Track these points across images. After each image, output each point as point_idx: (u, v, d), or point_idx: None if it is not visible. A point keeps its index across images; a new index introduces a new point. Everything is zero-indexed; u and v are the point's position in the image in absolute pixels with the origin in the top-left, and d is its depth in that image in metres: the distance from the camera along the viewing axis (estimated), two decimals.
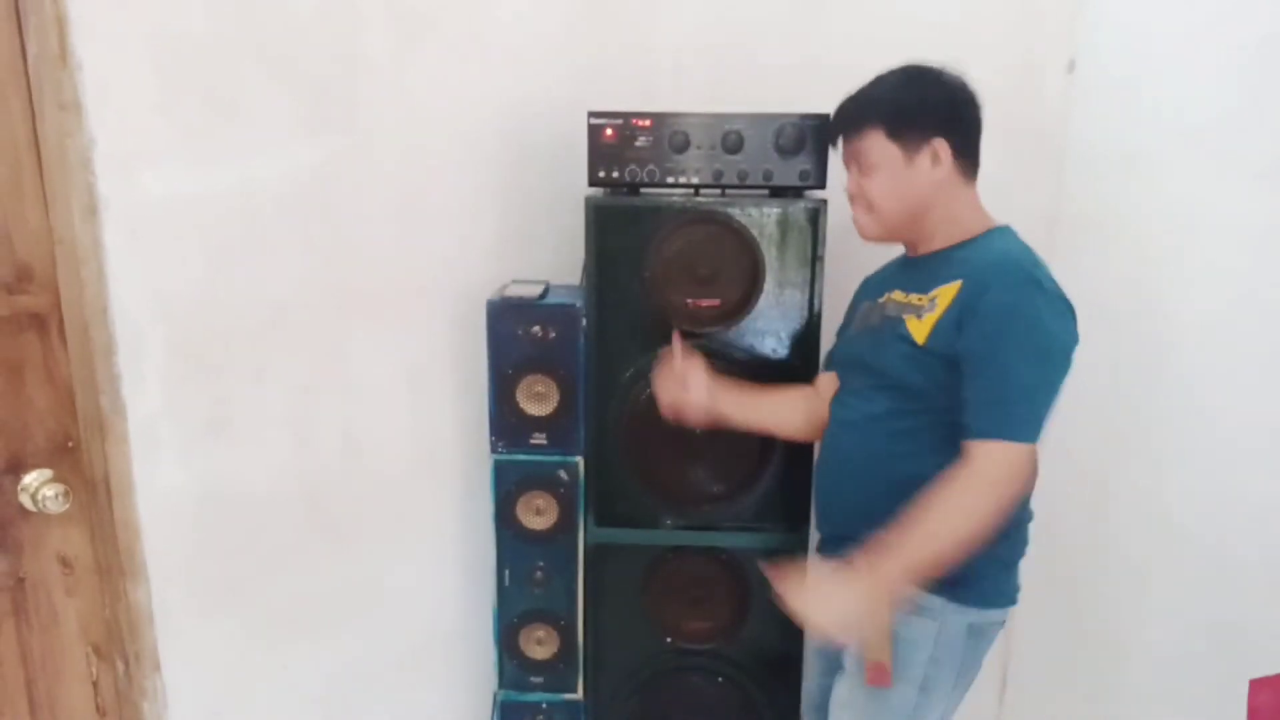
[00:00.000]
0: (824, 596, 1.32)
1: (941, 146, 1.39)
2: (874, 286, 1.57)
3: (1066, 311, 1.35)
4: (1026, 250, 1.39)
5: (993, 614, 1.44)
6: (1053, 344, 1.31)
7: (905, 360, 1.39)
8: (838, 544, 1.51)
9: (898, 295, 1.46)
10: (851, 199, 1.48)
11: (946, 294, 1.36)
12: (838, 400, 1.55)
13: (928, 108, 1.40)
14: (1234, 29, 1.66)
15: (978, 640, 1.44)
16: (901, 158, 1.40)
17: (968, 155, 1.43)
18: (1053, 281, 1.36)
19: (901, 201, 1.42)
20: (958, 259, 1.41)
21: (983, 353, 1.31)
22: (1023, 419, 1.29)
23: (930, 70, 1.42)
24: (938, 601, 1.38)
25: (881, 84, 1.44)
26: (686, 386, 1.57)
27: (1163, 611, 1.85)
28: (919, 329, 1.37)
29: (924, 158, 1.39)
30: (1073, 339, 1.35)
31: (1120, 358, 1.89)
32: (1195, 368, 1.76)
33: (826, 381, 1.60)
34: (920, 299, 1.41)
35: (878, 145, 1.41)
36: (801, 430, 1.63)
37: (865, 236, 1.49)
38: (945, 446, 1.34)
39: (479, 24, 1.84)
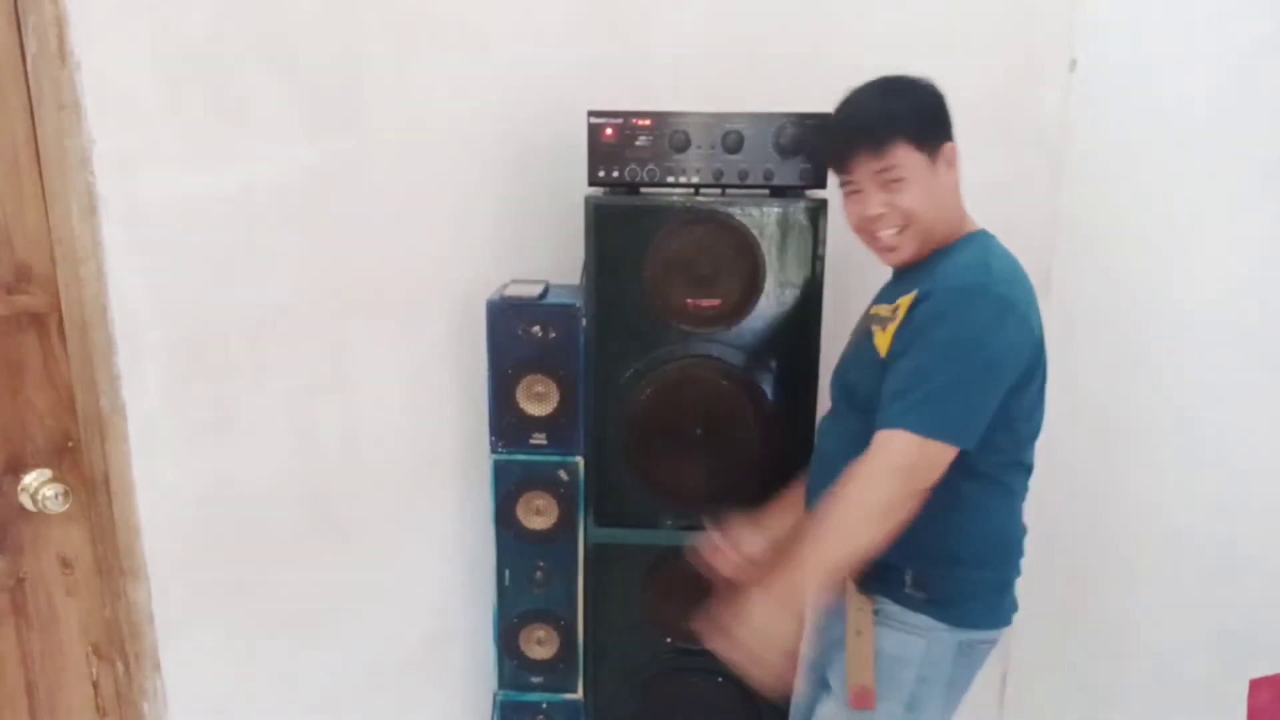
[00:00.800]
0: (748, 631, 1.27)
1: (952, 150, 1.37)
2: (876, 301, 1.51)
3: (1009, 318, 1.27)
4: (988, 257, 1.34)
5: (983, 634, 1.41)
6: (974, 347, 1.25)
7: (873, 374, 1.34)
8: None
9: (876, 309, 1.43)
10: (874, 221, 1.37)
11: (905, 303, 1.33)
12: (824, 420, 1.55)
13: (941, 112, 1.38)
14: (1233, 28, 1.66)
15: (968, 658, 1.41)
16: (928, 166, 1.35)
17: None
18: (1009, 287, 1.30)
19: (936, 210, 1.36)
20: (933, 266, 1.36)
21: (901, 351, 1.29)
22: (927, 413, 1.24)
23: (916, 77, 1.40)
24: (926, 620, 1.37)
25: (887, 96, 1.37)
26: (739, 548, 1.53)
27: (1163, 612, 1.85)
28: (883, 341, 1.34)
29: (942, 162, 1.36)
30: (1008, 347, 1.28)
31: (1120, 358, 1.89)
32: (1195, 368, 1.76)
33: None
34: (889, 310, 1.37)
35: (907, 157, 1.34)
36: None
37: (900, 259, 1.40)
38: None
39: (479, 24, 1.84)
